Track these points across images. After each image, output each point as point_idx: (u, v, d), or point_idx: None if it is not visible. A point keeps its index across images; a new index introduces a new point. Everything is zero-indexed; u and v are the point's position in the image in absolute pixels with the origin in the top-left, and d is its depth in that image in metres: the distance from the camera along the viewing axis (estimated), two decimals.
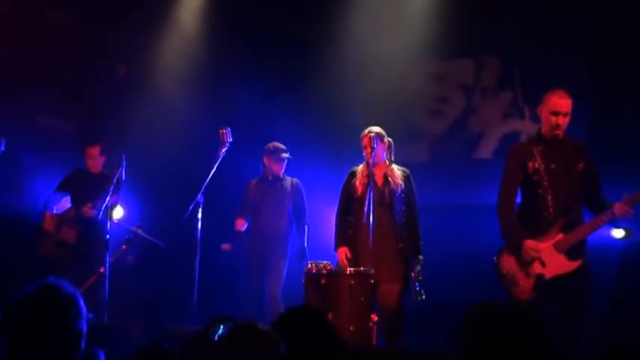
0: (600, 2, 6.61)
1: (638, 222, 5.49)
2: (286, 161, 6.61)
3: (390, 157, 5.67)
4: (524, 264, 4.60)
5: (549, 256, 4.55)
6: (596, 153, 6.06)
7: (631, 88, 6.23)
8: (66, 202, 6.82)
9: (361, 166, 5.61)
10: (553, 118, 4.67)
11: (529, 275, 4.59)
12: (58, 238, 6.67)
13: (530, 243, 4.57)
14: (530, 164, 4.69)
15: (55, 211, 6.76)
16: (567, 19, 6.82)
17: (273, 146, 6.60)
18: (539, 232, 4.62)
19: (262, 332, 2.35)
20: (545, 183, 4.65)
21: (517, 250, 4.62)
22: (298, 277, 5.40)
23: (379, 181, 5.54)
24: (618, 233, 5.97)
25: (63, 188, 6.86)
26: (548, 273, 4.54)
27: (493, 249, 4.90)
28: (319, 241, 6.76)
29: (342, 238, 5.57)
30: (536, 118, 4.97)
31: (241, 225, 6.51)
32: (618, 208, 4.46)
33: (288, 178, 6.68)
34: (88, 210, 6.56)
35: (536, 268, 4.57)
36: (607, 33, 6.52)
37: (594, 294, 4.66)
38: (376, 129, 5.58)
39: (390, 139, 5.66)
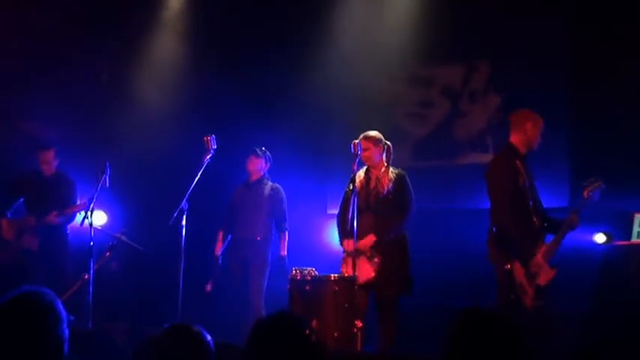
0: (583, 13, 6.70)
1: (618, 228, 5.60)
2: (260, 163, 6.57)
3: (388, 161, 5.64)
4: (530, 275, 4.85)
5: (542, 267, 4.85)
6: (578, 162, 6.20)
7: (613, 99, 6.34)
8: (20, 206, 6.78)
9: (360, 171, 5.63)
10: (540, 138, 5.02)
11: (531, 285, 4.84)
12: (21, 247, 6.62)
13: (538, 259, 4.85)
14: (521, 179, 4.91)
15: (9, 216, 6.72)
16: (548, 27, 6.90)
17: (251, 150, 6.65)
18: (533, 244, 4.89)
19: (194, 333, 2.56)
20: (529, 195, 4.92)
21: (526, 262, 4.85)
22: (283, 283, 5.40)
23: (372, 184, 5.54)
24: (600, 238, 6.08)
25: (16, 192, 6.82)
26: (542, 281, 4.83)
27: (475, 253, 4.98)
28: (303, 248, 6.77)
29: (343, 233, 5.48)
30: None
31: (218, 251, 6.55)
32: (574, 219, 4.89)
33: (269, 184, 6.62)
34: (53, 218, 6.52)
35: (536, 278, 4.84)
36: (590, 44, 6.63)
37: (579, 294, 5.17)
38: (371, 133, 5.60)
39: (388, 143, 5.65)
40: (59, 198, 6.62)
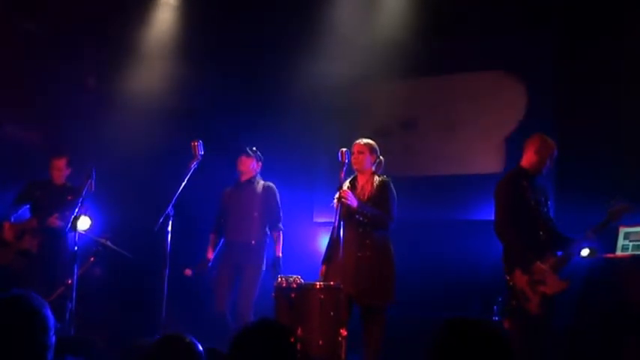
0: (568, 33, 6.77)
1: (602, 241, 5.65)
2: (251, 163, 6.40)
3: (377, 171, 5.68)
4: (533, 283, 5.06)
5: (549, 276, 5.06)
6: (562, 177, 6.26)
7: (597, 116, 6.42)
8: (25, 212, 6.74)
9: (347, 180, 5.62)
10: (550, 163, 5.37)
11: (536, 293, 5.04)
12: (20, 248, 6.56)
13: (540, 265, 5.05)
14: (527, 198, 5.22)
15: (12, 220, 6.67)
16: (534, 38, 6.96)
17: (242, 149, 6.48)
18: (537, 255, 5.11)
19: (187, 343, 2.59)
20: (536, 212, 5.23)
21: (528, 270, 5.06)
22: (269, 290, 5.38)
23: (356, 192, 5.54)
24: (584, 252, 6.14)
25: (24, 198, 6.78)
26: (549, 290, 5.04)
27: (461, 264, 5.03)
28: (290, 255, 6.74)
29: (324, 257, 5.56)
30: None
31: (210, 254, 6.36)
32: (591, 235, 5.16)
33: (261, 182, 6.44)
34: (54, 220, 6.48)
35: (541, 286, 5.04)
36: (573, 62, 6.71)
37: (563, 306, 5.27)
38: (370, 140, 5.68)
39: (382, 158, 5.70)
40: (65, 206, 6.55)
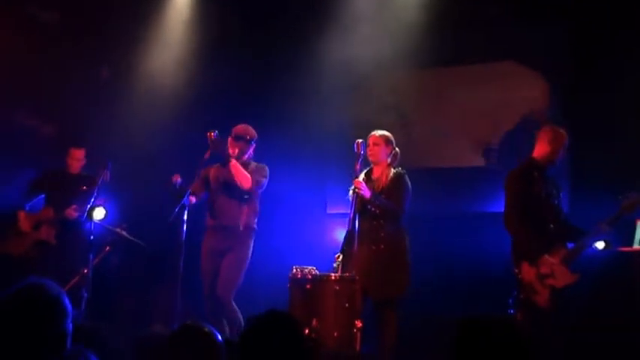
0: (585, 23, 6.72)
1: (619, 234, 5.62)
2: (239, 145, 5.95)
3: (392, 163, 5.67)
4: (542, 276, 5.05)
5: (558, 269, 5.04)
6: (578, 170, 6.23)
7: (613, 106, 6.37)
8: (40, 201, 6.77)
9: (362, 172, 5.61)
10: (563, 153, 5.36)
11: (545, 286, 5.03)
12: (38, 238, 6.60)
13: (547, 258, 5.04)
14: (537, 189, 5.20)
15: (27, 209, 6.70)
16: (547, 30, 6.91)
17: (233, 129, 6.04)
18: (546, 247, 5.10)
19: (206, 333, 2.60)
20: (546, 204, 5.21)
21: (535, 263, 5.06)
22: (283, 281, 5.38)
23: (371, 184, 5.54)
24: (599, 244, 6.11)
25: (38, 187, 6.80)
26: (559, 284, 5.02)
27: (479, 259, 5.03)
28: (303, 247, 6.76)
29: (341, 247, 5.43)
30: None
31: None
32: (604, 228, 5.11)
33: (253, 163, 6.04)
34: (72, 212, 6.50)
35: (550, 279, 5.03)
36: (589, 53, 6.67)
37: (579, 297, 5.25)
38: (385, 132, 5.68)
39: (397, 149, 5.69)
40: (81, 196, 6.57)
